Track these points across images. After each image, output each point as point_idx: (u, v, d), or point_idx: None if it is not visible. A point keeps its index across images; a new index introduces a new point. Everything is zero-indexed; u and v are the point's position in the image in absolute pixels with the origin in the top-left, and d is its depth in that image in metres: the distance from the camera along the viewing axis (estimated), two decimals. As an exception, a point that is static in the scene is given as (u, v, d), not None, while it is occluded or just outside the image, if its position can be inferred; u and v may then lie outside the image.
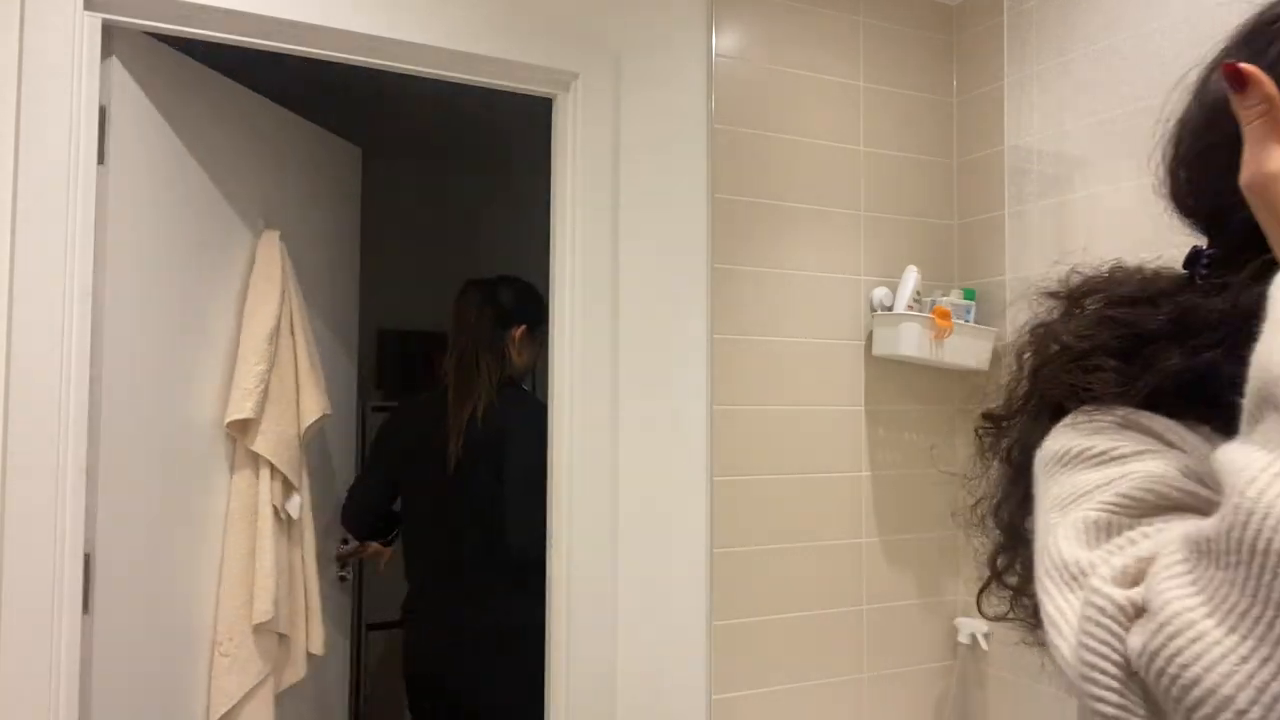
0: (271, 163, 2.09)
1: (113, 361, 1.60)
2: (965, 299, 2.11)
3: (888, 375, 2.14)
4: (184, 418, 1.79)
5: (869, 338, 2.12)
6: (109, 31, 1.56)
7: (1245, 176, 0.46)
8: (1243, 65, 0.46)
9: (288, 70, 1.97)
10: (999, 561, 0.66)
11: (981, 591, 0.67)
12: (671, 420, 1.92)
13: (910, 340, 2.00)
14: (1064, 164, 1.94)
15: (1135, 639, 0.40)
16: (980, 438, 0.67)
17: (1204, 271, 0.57)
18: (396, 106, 3.08)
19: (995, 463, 0.66)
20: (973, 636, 2.13)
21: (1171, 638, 0.38)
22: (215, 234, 1.89)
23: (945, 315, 2.00)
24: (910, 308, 2.05)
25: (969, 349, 2.05)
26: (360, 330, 2.56)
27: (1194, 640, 0.38)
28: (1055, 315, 0.63)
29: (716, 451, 1.95)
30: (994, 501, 0.66)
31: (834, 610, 2.06)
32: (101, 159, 1.54)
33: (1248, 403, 0.41)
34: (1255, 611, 0.36)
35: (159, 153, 1.74)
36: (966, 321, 2.07)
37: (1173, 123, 0.61)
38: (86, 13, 1.49)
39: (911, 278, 2.07)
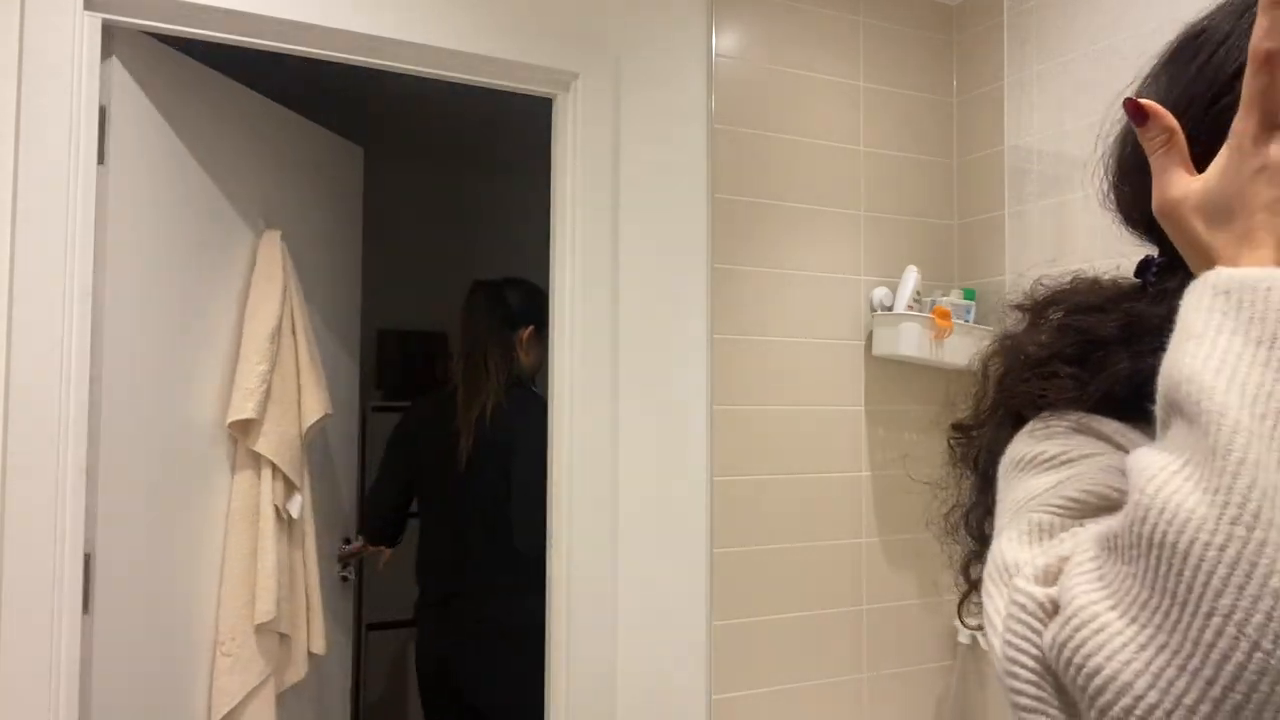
0: (273, 162, 2.09)
1: (113, 361, 1.60)
2: (965, 299, 2.11)
3: (888, 375, 2.14)
4: (185, 418, 1.79)
5: (869, 338, 2.12)
6: (109, 31, 1.56)
7: (1155, 203, 0.49)
8: (1142, 100, 0.50)
9: (290, 70, 1.97)
10: (972, 570, 0.68)
11: (961, 602, 0.68)
12: (671, 420, 1.92)
13: (910, 340, 2.00)
14: (1064, 164, 1.94)
15: (1047, 634, 0.42)
16: (952, 448, 0.69)
17: (1153, 279, 0.59)
18: (398, 106, 3.08)
19: (966, 471, 0.68)
20: (973, 636, 2.13)
21: (1077, 630, 0.40)
22: (216, 234, 1.89)
23: (945, 315, 2.00)
24: (910, 308, 2.05)
25: (969, 349, 2.04)
26: (361, 330, 2.57)
27: (1097, 631, 0.39)
28: (1021, 327, 0.65)
29: (716, 451, 1.95)
30: (965, 510, 0.68)
31: (834, 610, 2.06)
32: (101, 159, 1.54)
33: (1158, 410, 0.43)
34: (1154, 602, 0.38)
35: (159, 153, 1.74)
36: (966, 321, 2.07)
37: (1113, 138, 0.62)
38: (86, 13, 1.49)
39: (911, 278, 2.07)
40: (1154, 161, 0.49)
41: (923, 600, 2.17)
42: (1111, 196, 0.63)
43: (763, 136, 2.03)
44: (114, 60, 1.60)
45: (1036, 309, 0.64)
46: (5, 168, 1.42)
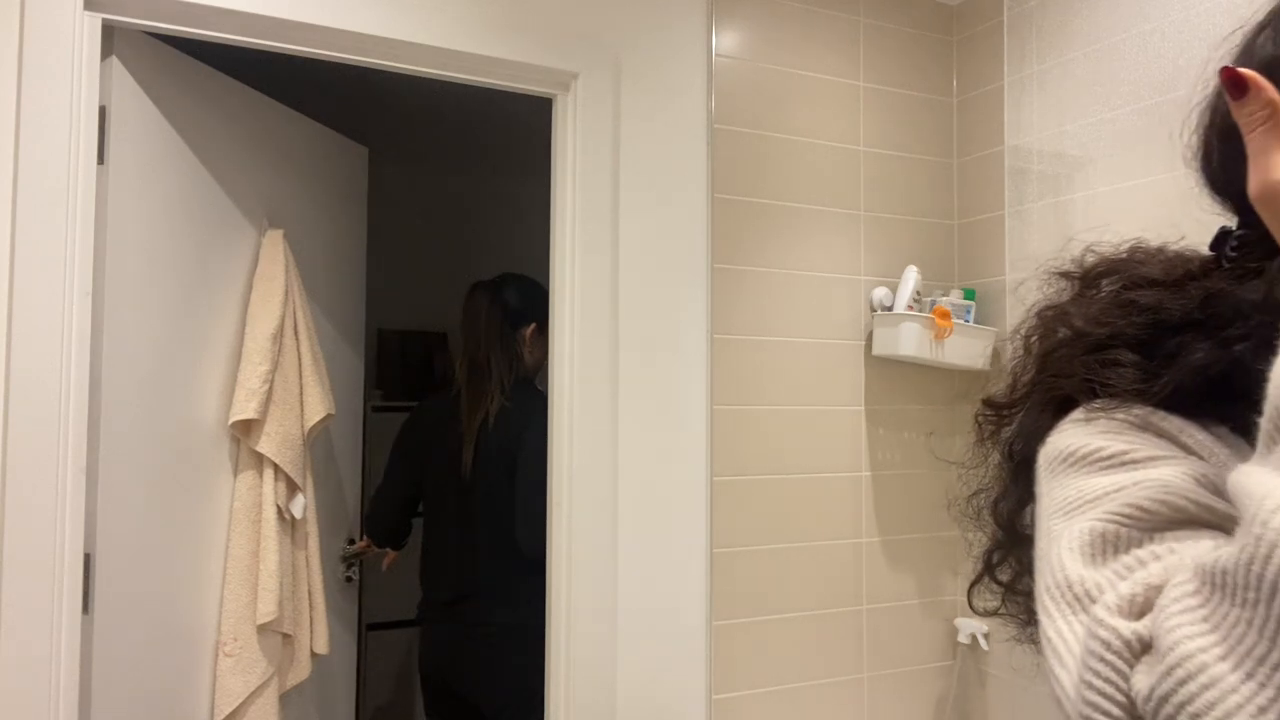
0: (276, 162, 2.09)
1: (113, 361, 1.60)
2: (965, 299, 2.11)
3: (888, 375, 2.14)
4: (186, 418, 1.79)
5: (869, 338, 2.12)
6: (109, 31, 1.56)
7: (1252, 188, 0.42)
8: (1241, 70, 0.42)
9: (295, 70, 1.97)
10: (994, 558, 0.63)
11: (973, 585, 0.64)
12: (671, 420, 1.92)
13: (910, 340, 2.00)
14: (1064, 164, 1.94)
15: (1141, 680, 0.37)
16: (980, 425, 0.63)
17: (1232, 254, 0.52)
18: (400, 105, 3.08)
19: (995, 453, 0.62)
20: (973, 636, 2.13)
21: (1182, 682, 0.35)
22: (218, 233, 1.89)
23: (945, 315, 2.00)
24: (910, 308, 2.05)
25: (969, 349, 2.05)
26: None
27: (1206, 686, 0.34)
28: (1066, 297, 0.58)
29: (716, 451, 1.95)
30: (993, 496, 0.62)
31: (834, 610, 2.06)
32: (101, 159, 1.54)
33: (1266, 422, 0.37)
34: (1275, 657, 0.32)
35: (160, 152, 1.74)
36: (966, 321, 2.07)
37: (1211, 88, 0.53)
38: (86, 13, 1.49)
39: (911, 278, 2.07)
40: (1251, 141, 0.42)
41: (923, 600, 2.17)
42: (1200, 153, 0.56)
43: (763, 136, 2.03)
44: (114, 60, 1.60)
45: (1087, 278, 0.57)
46: (5, 168, 1.42)
